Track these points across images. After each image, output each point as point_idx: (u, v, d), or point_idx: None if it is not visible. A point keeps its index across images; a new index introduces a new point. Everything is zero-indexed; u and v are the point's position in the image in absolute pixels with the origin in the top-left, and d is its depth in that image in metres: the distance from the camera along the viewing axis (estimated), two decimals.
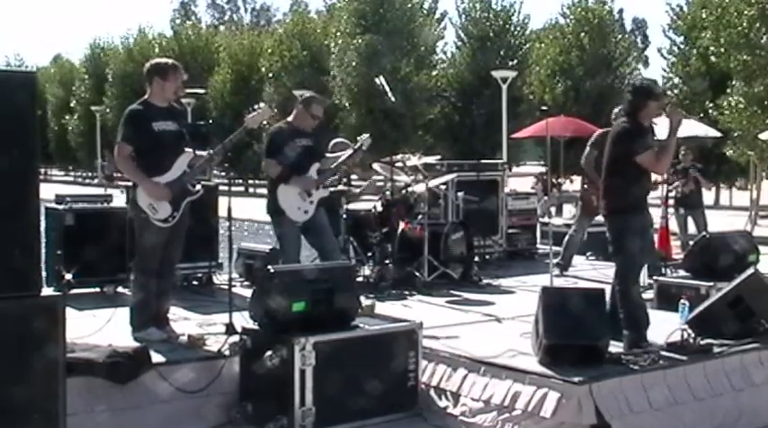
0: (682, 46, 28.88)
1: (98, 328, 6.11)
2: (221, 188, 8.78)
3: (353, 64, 32.44)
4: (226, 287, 7.30)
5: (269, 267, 5.73)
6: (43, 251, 5.63)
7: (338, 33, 34.03)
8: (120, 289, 8.17)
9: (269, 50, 40.09)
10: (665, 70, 29.41)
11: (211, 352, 5.78)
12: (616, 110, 8.52)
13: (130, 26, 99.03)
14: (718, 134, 17.63)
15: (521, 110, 30.11)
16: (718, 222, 14.75)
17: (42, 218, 4.55)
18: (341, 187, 9.17)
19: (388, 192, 9.30)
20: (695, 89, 26.95)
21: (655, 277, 8.22)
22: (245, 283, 8.78)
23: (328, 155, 8.07)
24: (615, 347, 5.75)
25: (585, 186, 9.86)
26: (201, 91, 14.41)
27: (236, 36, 48.92)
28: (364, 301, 6.59)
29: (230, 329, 6.02)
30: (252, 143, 35.50)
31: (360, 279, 8.53)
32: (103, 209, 8.66)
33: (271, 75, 38.94)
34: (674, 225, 12.36)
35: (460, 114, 33.52)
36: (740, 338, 6.12)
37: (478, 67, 31.97)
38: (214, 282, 8.77)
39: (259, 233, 18.22)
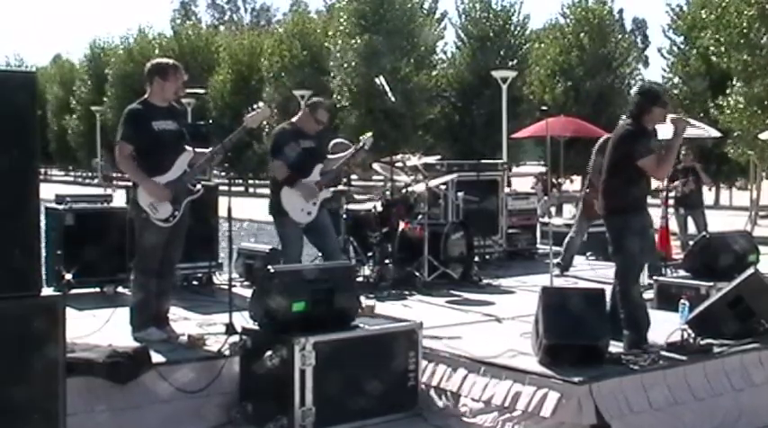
0: (682, 46, 28.88)
1: (98, 328, 6.12)
2: (221, 188, 8.78)
3: (353, 64, 32.44)
4: (226, 287, 7.30)
5: (269, 267, 5.73)
6: (43, 251, 5.63)
7: (338, 33, 34.03)
8: (120, 289, 8.16)
9: (269, 50, 40.06)
10: (665, 70, 29.46)
11: (211, 352, 5.78)
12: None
13: (130, 26, 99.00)
14: (719, 134, 17.62)
15: (521, 110, 30.09)
16: (718, 222, 14.75)
17: (42, 218, 4.55)
18: (341, 187, 9.17)
19: (388, 192, 9.30)
20: (695, 89, 26.96)
21: (655, 277, 8.22)
22: (245, 283, 8.78)
23: (330, 156, 8.08)
24: (615, 347, 5.75)
25: (588, 190, 9.86)
26: (201, 91, 14.43)
27: (236, 36, 48.95)
28: (364, 301, 6.59)
29: (230, 329, 6.02)
30: (252, 143, 35.57)
31: (360, 279, 8.54)
32: (103, 209, 8.65)
33: (271, 75, 38.94)
34: (674, 225, 12.36)
35: (460, 114, 33.52)
36: (740, 338, 6.12)
37: (478, 67, 31.96)
38: (214, 282, 8.77)
39: (259, 233, 18.22)
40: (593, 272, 9.86)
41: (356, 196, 9.74)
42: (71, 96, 53.16)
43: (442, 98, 34.10)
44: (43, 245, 6.09)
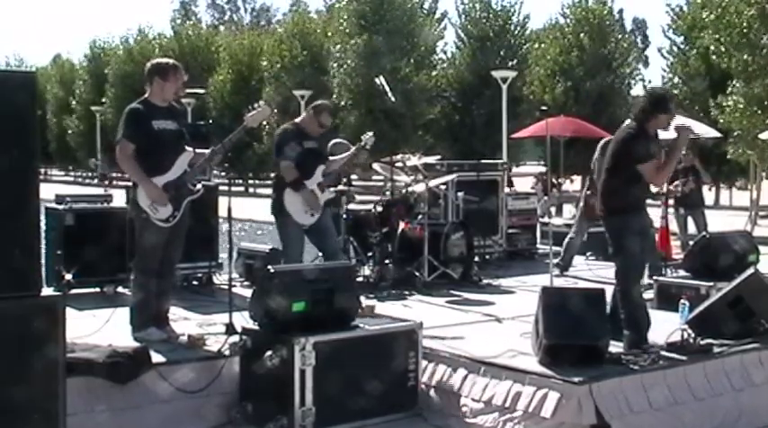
0: (682, 46, 28.87)
1: (98, 328, 6.12)
2: (221, 188, 8.78)
3: (353, 64, 32.44)
4: (226, 287, 7.31)
5: (269, 267, 5.73)
6: (43, 251, 5.63)
7: (338, 33, 34.04)
8: (120, 289, 8.17)
9: (269, 50, 40.08)
10: (664, 70, 29.44)
11: (211, 352, 5.78)
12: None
13: (130, 26, 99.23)
14: (718, 134, 17.62)
15: (521, 110, 30.09)
16: (718, 222, 14.73)
17: (42, 218, 4.55)
18: (341, 187, 9.17)
19: (388, 192, 9.30)
20: (695, 89, 26.94)
21: (655, 277, 8.22)
22: (245, 283, 8.78)
23: (332, 157, 8.08)
24: (615, 347, 5.75)
25: (589, 191, 9.86)
26: (201, 91, 14.44)
27: (236, 36, 48.95)
28: (364, 301, 6.59)
29: (230, 329, 6.02)
30: (252, 143, 35.58)
31: (360, 279, 8.54)
32: (103, 209, 8.66)
33: (271, 75, 38.94)
34: (674, 225, 12.34)
35: (460, 114, 33.52)
36: (740, 338, 6.12)
37: (478, 67, 31.97)
38: (214, 282, 8.78)
39: (259, 233, 18.22)
40: (593, 273, 9.86)
41: (357, 196, 9.75)
42: (71, 96, 53.16)
43: (442, 98, 34.11)
44: (43, 245, 6.11)
